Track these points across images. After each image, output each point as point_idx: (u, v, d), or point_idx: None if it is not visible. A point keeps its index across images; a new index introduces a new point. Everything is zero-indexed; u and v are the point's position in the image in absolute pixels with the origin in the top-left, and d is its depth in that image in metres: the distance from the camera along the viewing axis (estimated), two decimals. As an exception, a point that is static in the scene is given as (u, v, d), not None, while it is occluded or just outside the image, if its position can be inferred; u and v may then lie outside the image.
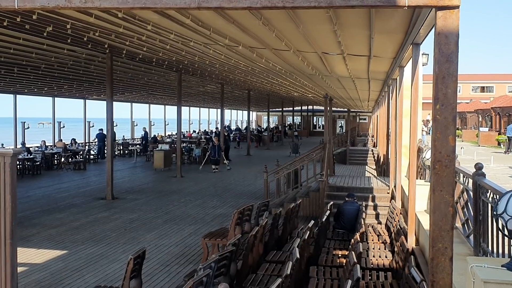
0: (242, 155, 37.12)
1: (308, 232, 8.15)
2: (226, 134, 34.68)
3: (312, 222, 8.99)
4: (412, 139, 7.94)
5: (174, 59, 17.49)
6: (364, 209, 11.58)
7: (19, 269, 9.32)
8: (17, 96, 28.64)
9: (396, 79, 14.19)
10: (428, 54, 15.72)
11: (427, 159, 8.85)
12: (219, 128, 32.96)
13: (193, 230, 12.90)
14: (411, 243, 7.62)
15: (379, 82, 18.03)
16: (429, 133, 26.93)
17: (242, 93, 38.00)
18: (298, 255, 6.67)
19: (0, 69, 19.14)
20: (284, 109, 56.58)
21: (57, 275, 9.19)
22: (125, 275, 6.58)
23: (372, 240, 9.81)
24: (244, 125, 68.10)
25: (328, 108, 17.08)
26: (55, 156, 27.66)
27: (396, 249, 8.10)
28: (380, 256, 8.64)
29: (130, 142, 37.49)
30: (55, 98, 31.84)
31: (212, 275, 6.27)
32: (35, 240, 11.73)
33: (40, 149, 27.24)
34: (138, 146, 35.08)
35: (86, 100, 34.49)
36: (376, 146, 33.01)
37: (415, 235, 7.91)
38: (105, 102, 18.55)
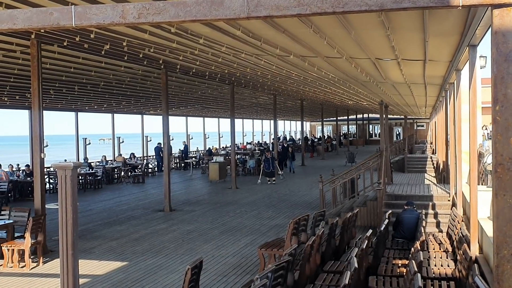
0: (297, 165, 36.94)
1: (366, 241, 7.98)
2: (285, 145, 34.83)
3: (370, 231, 8.80)
4: (472, 143, 7.65)
5: (226, 72, 17.69)
6: (424, 217, 11.24)
7: (82, 280, 9.60)
8: (79, 113, 29.75)
9: (453, 83, 13.78)
10: (486, 57, 15.20)
11: (489, 164, 8.51)
12: (273, 140, 33.06)
13: (249, 240, 12.91)
14: (474, 251, 7.31)
15: (436, 87, 17.57)
16: (490, 138, 26.00)
17: (295, 103, 37.97)
18: (356, 265, 6.53)
19: (62, 87, 19.92)
20: (338, 118, 56.05)
21: (118, 286, 9.40)
22: (183, 285, 6.64)
23: (434, 249, 9.49)
24: (298, 136, 67.97)
25: (384, 115, 16.75)
26: (115, 170, 28.47)
27: (458, 257, 7.81)
28: (442, 265, 8.35)
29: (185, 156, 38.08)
30: (114, 114, 32.86)
31: (269, 286, 6.23)
32: (97, 252, 12.06)
33: (101, 164, 28.12)
34: (193, 159, 35.63)
35: (143, 115, 35.41)
36: (435, 153, 32.12)
37: (478, 242, 7.59)
38: (161, 117, 18.92)
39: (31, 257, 10.88)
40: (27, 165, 22.62)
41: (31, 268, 10.61)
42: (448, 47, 8.88)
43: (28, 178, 21.41)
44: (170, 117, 39.46)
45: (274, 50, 10.66)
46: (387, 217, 10.52)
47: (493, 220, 4.13)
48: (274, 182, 26.00)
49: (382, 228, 9.28)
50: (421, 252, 7.16)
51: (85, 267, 10.69)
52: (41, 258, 10.98)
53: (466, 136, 11.67)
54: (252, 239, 13.09)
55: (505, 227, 4.03)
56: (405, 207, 10.91)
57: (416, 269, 6.20)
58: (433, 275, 7.80)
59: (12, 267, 10.59)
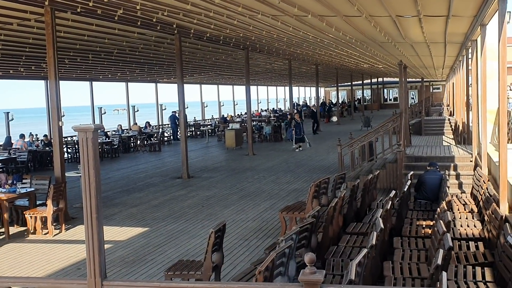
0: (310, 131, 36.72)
1: (390, 202, 7.84)
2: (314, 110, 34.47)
3: (393, 192, 8.65)
4: (502, 99, 7.38)
5: (241, 36, 17.36)
6: (447, 178, 11.05)
7: (105, 246, 9.65)
8: (93, 83, 29.67)
9: (476, 40, 13.38)
10: (510, 12, 14.65)
11: (517, 121, 8.25)
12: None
13: (269, 205, 12.86)
14: (504, 211, 7.15)
15: (456, 46, 17.10)
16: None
17: (310, 69, 37.46)
18: (382, 225, 6.41)
19: (76, 56, 19.79)
20: (353, 82, 55.35)
21: (140, 251, 9.42)
22: (207, 248, 6.59)
23: (458, 210, 9.33)
24: (313, 102, 67.42)
25: (403, 77, 16.34)
26: (131, 139, 28.51)
27: (486, 217, 7.65)
28: (468, 226, 8.20)
29: (201, 123, 38.03)
30: (128, 83, 32.75)
31: (294, 247, 6.14)
32: (118, 218, 12.10)
33: (117, 133, 28.17)
34: (209, 126, 35.56)
35: (157, 84, 35.25)
36: (453, 115, 31.68)
37: (508, 202, 7.41)
38: (175, 85, 18.68)
39: (54, 224, 10.94)
40: (45, 135, 22.73)
41: (54, 235, 10.68)
42: (474, 0, 8.52)
43: (47, 148, 21.50)
44: (184, 86, 39.37)
45: (292, 10, 10.35)
46: (409, 178, 10.35)
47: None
48: (301, 149, 24.73)
49: (405, 189, 9.13)
50: (448, 212, 7.01)
51: (106, 233, 10.56)
52: (64, 225, 11.04)
53: (491, 94, 11.39)
54: (271, 203, 13.03)
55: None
56: (428, 168, 10.71)
57: (445, 228, 6.05)
58: (460, 236, 7.67)
59: (35, 234, 10.65)
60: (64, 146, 24.29)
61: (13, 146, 21.29)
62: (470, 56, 15.99)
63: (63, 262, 8.98)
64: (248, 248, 9.32)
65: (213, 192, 14.86)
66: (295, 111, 31.82)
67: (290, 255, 5.91)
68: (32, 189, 11.31)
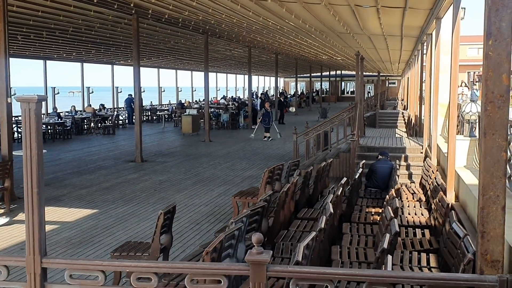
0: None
1: (341, 188, 7.91)
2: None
3: (345, 179, 8.73)
4: (452, 91, 7.53)
5: (200, 19, 17.11)
6: (397, 167, 11.25)
7: (51, 227, 9.41)
8: (48, 62, 28.73)
9: (431, 34, 13.63)
10: (465, 8, 14.99)
11: (467, 113, 8.46)
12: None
13: (222, 190, 12.80)
14: (450, 199, 7.32)
15: (412, 40, 17.40)
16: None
17: (270, 57, 37.43)
18: (331, 210, 6.45)
19: (30, 33, 19.12)
20: (312, 74, 55.74)
21: (88, 232, 9.20)
22: (155, 230, 6.48)
23: (407, 198, 9.51)
24: (272, 92, 67.51)
25: (360, 68, 16.52)
26: (85, 121, 27.84)
27: (433, 206, 7.82)
28: (415, 214, 8.36)
29: (158, 108, 37.49)
30: (84, 64, 31.90)
31: (243, 230, 6.11)
32: (66, 199, 11.79)
33: (70, 114, 27.45)
34: (166, 112, 35.11)
35: (114, 66, 34.47)
36: (407, 109, 32.36)
37: (455, 191, 7.59)
38: (132, 68, 18.20)
39: (-2, 203, 10.57)
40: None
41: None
42: (430, -7, 8.64)
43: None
44: (141, 69, 38.61)
45: (251, -7, 10.26)
46: (360, 166, 10.49)
47: (480, 161, 4.02)
48: (270, 138, 23.85)
49: (356, 177, 9.23)
50: (396, 199, 7.12)
51: (54, 214, 10.46)
52: (9, 205, 10.64)
53: (444, 88, 11.64)
54: (225, 189, 12.97)
55: (492, 167, 3.91)
56: (379, 157, 10.88)
57: (392, 214, 6.14)
58: (407, 223, 7.81)
59: (-23, 213, 10.26)
60: (14, 125, 23.58)
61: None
62: (425, 51, 16.30)
63: (7, 241, 8.67)
64: (199, 231, 9.24)
65: (166, 177, 14.67)
66: (263, 98, 31.51)
67: (239, 237, 5.87)
68: (-25, 167, 10.84)
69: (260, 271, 4.03)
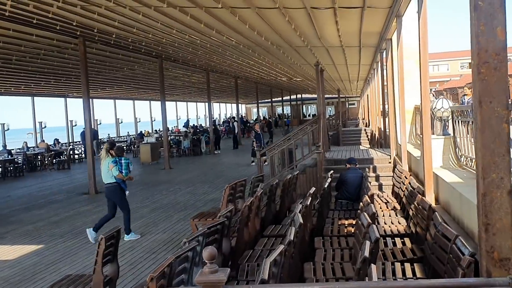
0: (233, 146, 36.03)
1: (310, 198, 7.12)
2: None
3: (313, 189, 7.95)
4: (423, 85, 6.88)
5: (151, 38, 16.24)
6: (367, 175, 10.56)
7: (-13, 267, 8.27)
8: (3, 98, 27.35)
9: (391, 39, 13.21)
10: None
11: (438, 110, 7.86)
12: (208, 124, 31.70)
13: (182, 216, 11.85)
14: (430, 202, 6.61)
15: (371, 50, 17.03)
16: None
17: (229, 82, 36.84)
18: (301, 220, 5.64)
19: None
20: (273, 99, 55.44)
21: (30, 269, 8.12)
22: (96, 258, 5.52)
23: (380, 208, 8.81)
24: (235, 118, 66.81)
25: (320, 79, 15.91)
26: (38, 156, 26.42)
27: (411, 212, 7.09)
28: (392, 223, 7.64)
29: (116, 140, 36.21)
30: (34, 98, 30.54)
31: (200, 251, 5.22)
32: (10, 237, 10.63)
33: (21, 151, 26.01)
34: (124, 143, 33.91)
35: (67, 98, 33.18)
36: (369, 126, 32.14)
37: (434, 193, 6.90)
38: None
39: None
40: None
41: None
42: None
43: None
44: (96, 100, 37.32)
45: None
46: (329, 176, 9.75)
47: (476, 137, 3.29)
48: (253, 164, 21.33)
49: (325, 186, 8.48)
50: (372, 205, 6.37)
51: (-7, 253, 9.31)
52: None
53: (409, 92, 11.14)
54: (186, 214, 12.02)
55: (493, 143, 3.18)
56: (347, 165, 10.18)
57: (370, 220, 5.38)
58: (385, 232, 7.06)
59: None
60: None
61: None
62: (384, 60, 15.91)
63: None
64: (156, 261, 8.25)
65: (122, 206, 13.59)
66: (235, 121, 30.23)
67: (194, 259, 4.99)
68: None
69: (215, 295, 3.17)
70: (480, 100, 3.18)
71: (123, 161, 9.96)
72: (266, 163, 16.07)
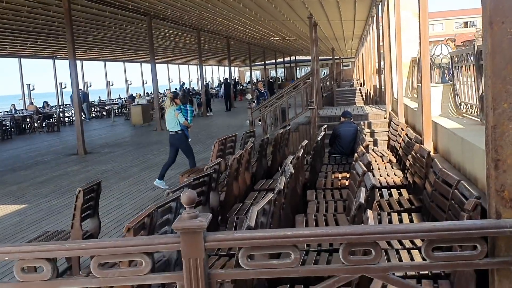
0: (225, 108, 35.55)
1: (302, 150, 6.77)
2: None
3: (306, 141, 7.61)
4: (423, 29, 6.44)
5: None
6: (362, 130, 10.21)
7: (-33, 227, 7.97)
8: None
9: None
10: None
11: (437, 56, 7.46)
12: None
13: (173, 174, 11.52)
14: (429, 149, 6.28)
15: (366, 2, 16.46)
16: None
17: (221, 44, 36.05)
18: (292, 170, 5.30)
19: None
20: (266, 62, 54.61)
21: (11, 229, 7.82)
22: (74, 213, 5.18)
23: (376, 162, 8.49)
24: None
25: (313, 33, 15.31)
26: (27, 119, 25.92)
27: (408, 162, 6.77)
28: (388, 175, 7.33)
29: (106, 102, 35.67)
30: (22, 60, 29.79)
31: (184, 202, 4.88)
32: (-8, 197, 10.30)
33: (9, 113, 25.48)
34: (115, 106, 33.41)
35: (55, 60, 32.42)
36: (363, 85, 31.72)
37: (433, 141, 6.56)
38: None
39: None
40: None
41: None
42: None
43: None
44: (87, 62, 36.51)
45: None
46: (322, 130, 9.39)
47: (486, 63, 2.91)
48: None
49: (318, 139, 8.13)
50: (367, 154, 6.04)
51: (-27, 214, 8.99)
52: None
53: (406, 45, 10.70)
54: (176, 172, 11.68)
55: (504, 70, 2.79)
56: (342, 119, 9.82)
57: (365, 168, 5.04)
58: (380, 184, 6.75)
59: None
60: None
61: None
62: (380, 14, 15.40)
63: None
64: (143, 218, 7.94)
65: (111, 166, 13.28)
66: (256, 80, 29.32)
67: (178, 210, 4.65)
68: None
69: (194, 242, 2.83)
70: (491, 20, 2.77)
71: (188, 108, 10.57)
72: (260, 123, 15.34)
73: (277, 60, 59.80)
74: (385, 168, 7.83)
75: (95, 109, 34.10)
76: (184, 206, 2.97)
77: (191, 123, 10.56)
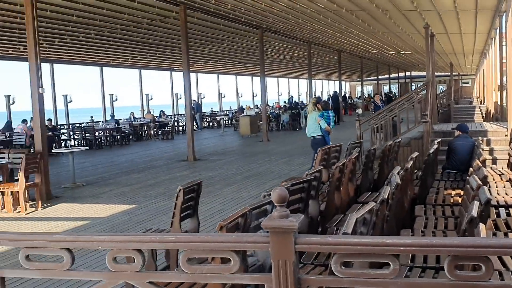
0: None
1: (411, 162, 6.35)
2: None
3: (416, 153, 7.15)
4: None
5: (249, 6, 15.92)
6: (480, 145, 9.47)
7: (80, 223, 8.46)
8: (103, 68, 28.55)
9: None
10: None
11: None
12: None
13: (275, 183, 11.38)
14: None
15: (488, 14, 15.41)
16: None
17: (332, 57, 35.73)
18: (398, 181, 4.95)
19: (78, 34, 18.68)
20: (379, 77, 53.30)
21: (119, 227, 8.16)
22: (174, 211, 5.23)
23: (494, 180, 7.77)
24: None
25: (430, 44, 14.54)
26: (144, 127, 27.40)
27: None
28: (507, 194, 6.65)
29: (217, 113, 36.76)
30: (141, 70, 31.61)
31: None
32: (105, 197, 10.86)
33: (128, 121, 27.08)
34: (226, 117, 34.34)
35: (172, 72, 34.04)
36: (483, 103, 29.80)
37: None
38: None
39: (28, 201, 9.70)
40: (49, 119, 21.65)
41: (28, 213, 9.41)
42: None
43: (50, 133, 20.40)
44: (200, 75, 37.92)
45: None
46: (435, 143, 8.81)
47: None
48: None
49: (431, 152, 7.61)
50: (483, 168, 5.51)
51: (88, 211, 9.56)
52: (40, 202, 9.76)
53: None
54: (278, 182, 11.53)
55: None
56: (457, 133, 9.15)
57: (480, 182, 4.57)
58: (497, 203, 6.13)
59: (6, 211, 9.41)
60: (66, 130, 23.50)
61: (14, 131, 20.23)
62: (504, 25, 14.33)
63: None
64: (243, 224, 7.91)
65: (217, 173, 13.54)
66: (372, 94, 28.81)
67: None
68: (3, 161, 10.05)
69: (284, 243, 2.66)
70: None
71: (330, 114, 10.98)
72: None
73: (391, 75, 58.18)
74: (504, 187, 7.14)
75: (207, 120, 35.28)
76: (275, 204, 2.82)
77: (333, 128, 10.96)
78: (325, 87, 69.28)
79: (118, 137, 24.05)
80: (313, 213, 5.85)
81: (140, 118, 29.26)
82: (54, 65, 25.16)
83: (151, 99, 32.18)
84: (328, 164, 8.57)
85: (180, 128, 31.06)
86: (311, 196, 5.77)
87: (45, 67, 23.97)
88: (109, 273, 2.88)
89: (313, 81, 38.21)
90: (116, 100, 28.74)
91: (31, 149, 19.26)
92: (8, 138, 18.70)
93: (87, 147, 18.54)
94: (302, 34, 24.26)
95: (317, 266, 4.30)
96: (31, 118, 16.10)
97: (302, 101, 50.72)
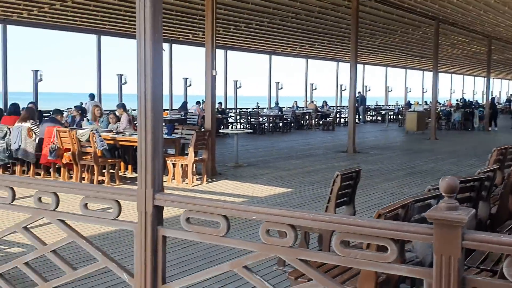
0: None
1: None
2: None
3: None
4: None
5: (428, 1, 15.11)
6: None
7: (239, 199, 8.76)
8: (272, 56, 29.27)
9: None
10: None
11: None
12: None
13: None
14: None
15: None
16: None
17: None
18: None
19: (252, 21, 19.36)
20: None
21: (276, 209, 8.27)
22: (329, 196, 5.10)
23: None
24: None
25: None
26: (306, 116, 27.69)
27: None
28: None
29: (383, 107, 35.75)
30: (308, 60, 31.86)
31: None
32: (264, 178, 11.15)
33: (291, 109, 27.58)
34: (391, 111, 33.29)
35: (339, 63, 33.82)
36: None
37: None
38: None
39: (196, 175, 10.36)
40: (220, 103, 22.86)
41: (194, 185, 10.04)
42: None
43: (219, 115, 21.53)
44: (367, 66, 37.12)
45: None
46: None
47: None
48: None
49: None
50: None
51: (247, 189, 9.94)
52: (205, 177, 10.37)
53: None
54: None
55: None
56: None
57: None
58: None
59: (174, 181, 10.15)
60: (233, 114, 24.63)
61: (189, 111, 21.77)
62: None
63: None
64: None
65: (377, 166, 13.14)
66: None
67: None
68: (177, 136, 10.84)
69: (450, 237, 2.42)
70: None
71: None
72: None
73: None
74: None
75: (371, 113, 34.52)
76: (443, 194, 2.57)
77: None
78: (504, 87, 63.66)
79: (280, 124, 24.63)
80: (482, 216, 5.32)
81: (303, 107, 29.60)
82: (228, 51, 26.53)
83: (315, 89, 32.35)
84: (503, 166, 7.76)
85: (342, 120, 30.81)
86: (482, 197, 5.24)
87: (220, 53, 25.42)
88: (262, 245, 2.87)
89: (491, 80, 35.36)
90: (282, 88, 29.40)
91: (202, 128, 20.69)
92: (183, 117, 20.15)
93: (251, 131, 19.28)
94: (483, 28, 22.43)
95: (483, 270, 3.88)
96: (203, 100, 17.38)
97: (476, 101, 47.22)
